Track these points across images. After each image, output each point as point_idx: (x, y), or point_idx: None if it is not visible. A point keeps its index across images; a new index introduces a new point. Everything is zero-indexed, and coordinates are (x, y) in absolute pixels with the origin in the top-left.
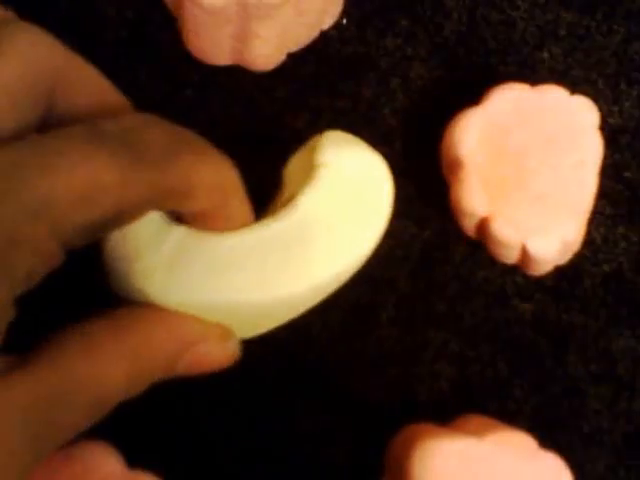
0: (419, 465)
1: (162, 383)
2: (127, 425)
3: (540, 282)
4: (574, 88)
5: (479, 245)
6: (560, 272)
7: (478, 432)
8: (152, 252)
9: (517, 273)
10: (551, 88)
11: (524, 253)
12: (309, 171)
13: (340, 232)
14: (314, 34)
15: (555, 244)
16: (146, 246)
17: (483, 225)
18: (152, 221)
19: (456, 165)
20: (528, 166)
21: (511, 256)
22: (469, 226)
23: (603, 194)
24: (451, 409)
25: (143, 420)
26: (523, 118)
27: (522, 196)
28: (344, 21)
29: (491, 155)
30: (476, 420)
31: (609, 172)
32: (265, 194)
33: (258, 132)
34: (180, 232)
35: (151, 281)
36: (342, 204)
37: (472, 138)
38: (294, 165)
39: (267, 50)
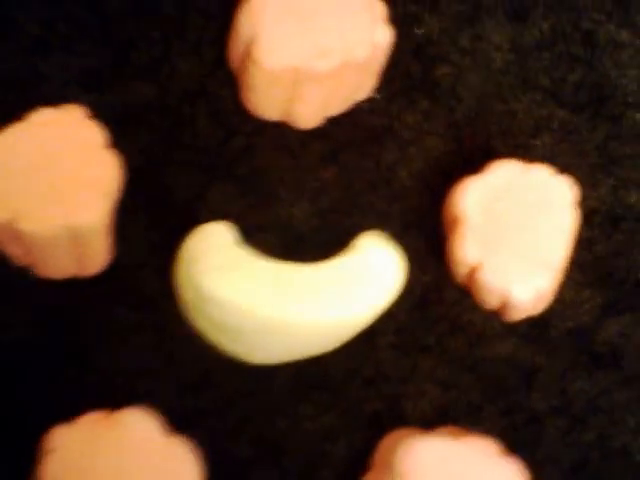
0: (402, 457)
1: None
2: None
3: (515, 328)
4: (560, 172)
5: (467, 292)
6: (533, 321)
7: (454, 436)
8: (214, 254)
9: (496, 319)
10: (539, 167)
11: (504, 300)
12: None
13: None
14: (350, 103)
15: (531, 292)
16: (210, 250)
17: (472, 273)
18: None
19: (454, 222)
20: (513, 227)
21: (492, 302)
22: (461, 274)
23: (575, 263)
24: (432, 422)
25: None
26: (514, 189)
27: (506, 252)
28: (376, 96)
29: (484, 216)
30: (452, 430)
31: (583, 245)
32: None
33: (294, 179)
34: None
35: (206, 276)
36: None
37: (469, 201)
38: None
39: (310, 111)
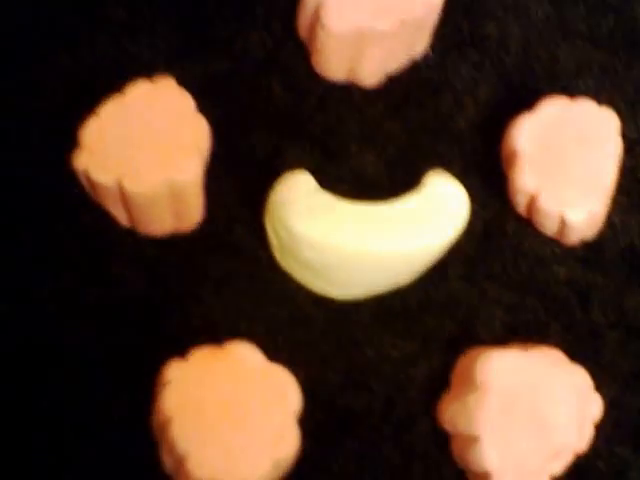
0: (480, 369)
1: None
2: None
3: (572, 251)
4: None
5: (527, 222)
6: (587, 244)
7: (524, 349)
8: (302, 199)
9: (555, 244)
10: (585, 101)
11: (561, 223)
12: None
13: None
14: (407, 60)
15: (585, 214)
16: (298, 196)
17: (531, 201)
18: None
19: (512, 157)
20: (566, 157)
21: (551, 227)
22: (521, 203)
23: (622, 189)
24: (503, 341)
25: None
26: (563, 122)
27: (561, 179)
28: (430, 52)
29: (539, 148)
30: (522, 345)
31: (627, 173)
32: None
33: (361, 133)
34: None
35: (296, 219)
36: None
37: (524, 136)
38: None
39: (373, 70)
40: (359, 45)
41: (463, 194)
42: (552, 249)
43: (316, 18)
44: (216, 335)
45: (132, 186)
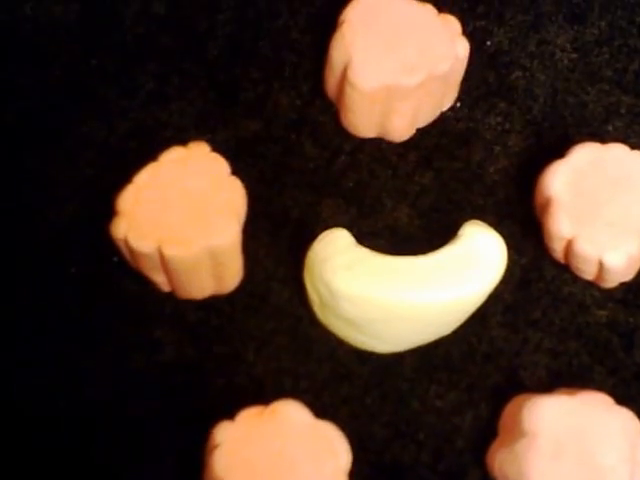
0: (527, 416)
1: None
2: None
3: (611, 294)
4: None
5: (564, 267)
6: (626, 287)
7: (570, 394)
8: (340, 255)
9: (594, 288)
10: (616, 145)
11: (600, 267)
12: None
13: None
14: (436, 114)
15: (623, 257)
16: (336, 252)
17: (568, 246)
18: (343, 237)
19: (546, 204)
20: (600, 201)
21: (589, 271)
22: (557, 249)
23: None
24: (548, 386)
25: None
26: (595, 167)
27: (597, 223)
28: (458, 104)
29: (573, 194)
30: (568, 390)
31: None
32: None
33: (394, 187)
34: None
35: (336, 275)
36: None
37: (557, 182)
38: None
39: (403, 125)
40: (388, 101)
41: (500, 242)
42: (591, 293)
43: (344, 77)
44: (261, 394)
45: (172, 252)
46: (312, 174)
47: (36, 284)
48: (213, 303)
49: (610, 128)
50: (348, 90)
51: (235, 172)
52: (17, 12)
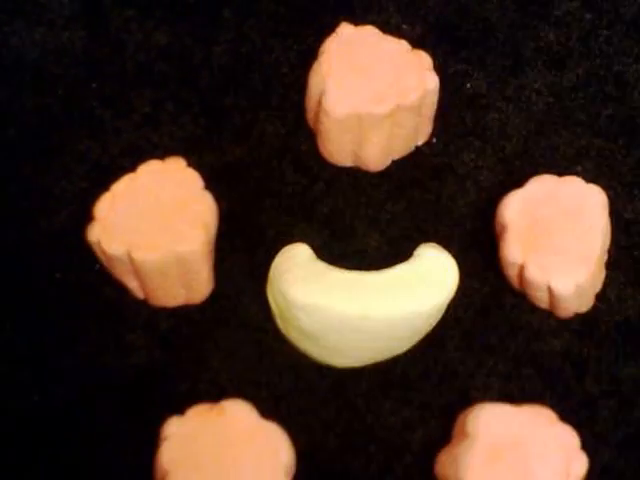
0: (472, 418)
1: None
2: None
3: (567, 324)
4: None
5: (524, 297)
6: (583, 318)
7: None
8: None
9: (551, 318)
10: (572, 178)
11: (550, 294)
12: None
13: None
14: (411, 147)
15: (571, 285)
16: (295, 265)
17: (520, 272)
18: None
19: (502, 230)
20: (553, 230)
21: (542, 298)
22: (512, 276)
23: (617, 266)
24: None
25: None
26: (551, 197)
27: (547, 251)
28: (434, 140)
29: (526, 221)
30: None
31: (623, 251)
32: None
33: (367, 215)
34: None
35: (292, 286)
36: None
37: (512, 210)
38: None
39: (376, 154)
40: (360, 130)
41: (452, 262)
42: (548, 322)
43: (319, 105)
44: (220, 399)
45: (140, 256)
46: (290, 198)
47: (22, 285)
48: (185, 312)
49: (579, 169)
50: (323, 117)
51: (218, 191)
52: (27, 37)
